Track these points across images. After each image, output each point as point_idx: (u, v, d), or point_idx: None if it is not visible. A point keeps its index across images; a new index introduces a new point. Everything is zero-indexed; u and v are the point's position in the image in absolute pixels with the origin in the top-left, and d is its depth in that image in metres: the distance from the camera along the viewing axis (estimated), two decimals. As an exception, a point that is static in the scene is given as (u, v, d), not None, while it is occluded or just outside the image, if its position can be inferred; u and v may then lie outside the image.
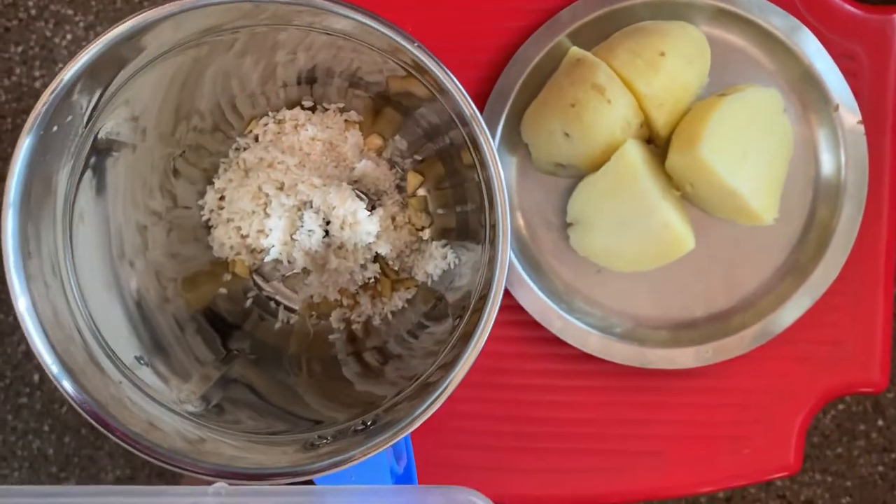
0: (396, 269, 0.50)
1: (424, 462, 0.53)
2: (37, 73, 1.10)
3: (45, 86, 1.10)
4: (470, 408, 0.55)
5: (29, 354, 1.11)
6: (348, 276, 0.48)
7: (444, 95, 0.38)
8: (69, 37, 1.09)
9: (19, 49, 1.10)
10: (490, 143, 0.36)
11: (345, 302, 0.48)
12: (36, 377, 1.11)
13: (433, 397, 0.37)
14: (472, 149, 0.38)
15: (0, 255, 0.35)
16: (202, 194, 0.49)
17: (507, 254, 0.37)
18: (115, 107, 0.40)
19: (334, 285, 0.49)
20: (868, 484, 1.06)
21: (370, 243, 0.47)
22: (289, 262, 0.47)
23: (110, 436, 0.35)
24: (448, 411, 0.53)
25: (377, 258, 0.49)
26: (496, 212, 0.37)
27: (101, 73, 0.37)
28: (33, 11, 1.10)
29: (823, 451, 1.05)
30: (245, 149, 0.49)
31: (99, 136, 0.40)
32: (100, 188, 0.42)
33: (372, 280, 0.49)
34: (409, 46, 0.35)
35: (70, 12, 1.10)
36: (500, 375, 0.55)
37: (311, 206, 0.47)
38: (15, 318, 1.04)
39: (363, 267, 0.48)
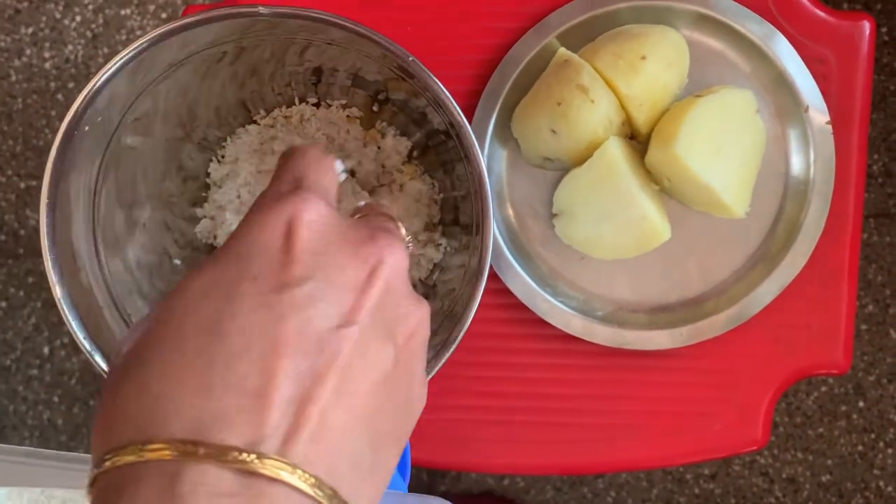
0: None
1: (417, 435, 0.56)
2: (46, 55, 1.10)
3: (55, 67, 1.12)
4: (460, 384, 0.57)
5: (39, 328, 1.14)
6: None
7: (436, 104, 0.40)
8: (78, 18, 1.09)
9: (29, 30, 1.10)
10: (476, 149, 0.39)
11: None
12: (46, 350, 1.14)
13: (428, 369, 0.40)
14: (462, 153, 0.41)
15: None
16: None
17: (490, 237, 0.40)
18: (138, 108, 0.43)
19: None
20: (848, 463, 1.07)
21: None
22: None
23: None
24: (440, 387, 0.56)
25: None
26: (482, 206, 0.40)
27: (130, 78, 0.40)
28: (43, -7, 1.11)
29: (805, 431, 1.07)
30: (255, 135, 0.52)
31: (120, 135, 0.43)
32: (118, 180, 0.45)
33: None
34: (406, 61, 0.38)
35: (79, -5, 1.11)
36: (489, 354, 0.57)
37: None
38: (25, 292, 1.07)
39: None
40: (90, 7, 1.11)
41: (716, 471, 1.08)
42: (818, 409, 1.08)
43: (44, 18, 1.11)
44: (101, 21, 1.11)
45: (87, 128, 0.38)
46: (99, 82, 0.36)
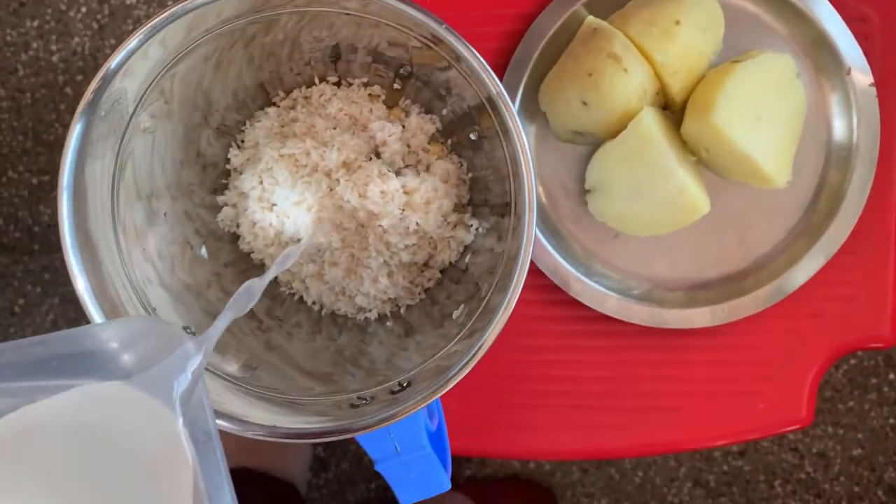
0: (426, 250, 0.50)
1: (452, 420, 0.55)
2: (53, 48, 1.08)
3: (63, 60, 1.11)
4: (491, 368, 0.56)
5: (57, 324, 1.13)
6: (380, 257, 0.48)
7: (470, 75, 0.38)
8: (84, 10, 1.08)
9: (35, 23, 1.09)
10: (516, 120, 0.37)
11: (380, 279, 0.49)
12: (65, 346, 1.13)
13: (462, 362, 0.38)
14: (498, 128, 0.39)
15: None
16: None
17: (532, 225, 0.38)
18: (153, 91, 0.41)
19: (366, 265, 0.48)
20: (879, 436, 1.06)
21: (404, 214, 0.48)
22: (320, 239, 0.47)
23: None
24: (473, 372, 0.55)
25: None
26: (522, 185, 0.38)
27: (145, 58, 0.38)
28: (47, -15, 1.10)
29: (835, 405, 1.06)
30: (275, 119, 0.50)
31: (137, 121, 0.41)
32: (136, 169, 0.43)
33: (408, 257, 0.49)
34: (438, 28, 0.36)
35: (84, -15, 1.09)
36: (521, 337, 0.56)
37: (345, 176, 0.47)
38: (42, 289, 1.06)
39: (396, 246, 0.48)
40: (95, -3, 1.09)
41: (745, 447, 1.07)
42: (848, 382, 1.06)
43: (49, 11, 1.09)
44: (106, 11, 1.09)
45: (102, 112, 0.36)
46: (113, 64, 0.34)
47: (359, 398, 0.40)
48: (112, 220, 0.40)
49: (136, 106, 0.40)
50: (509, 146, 0.39)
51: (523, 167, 0.37)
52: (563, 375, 0.56)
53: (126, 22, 1.09)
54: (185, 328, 0.42)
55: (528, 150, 0.37)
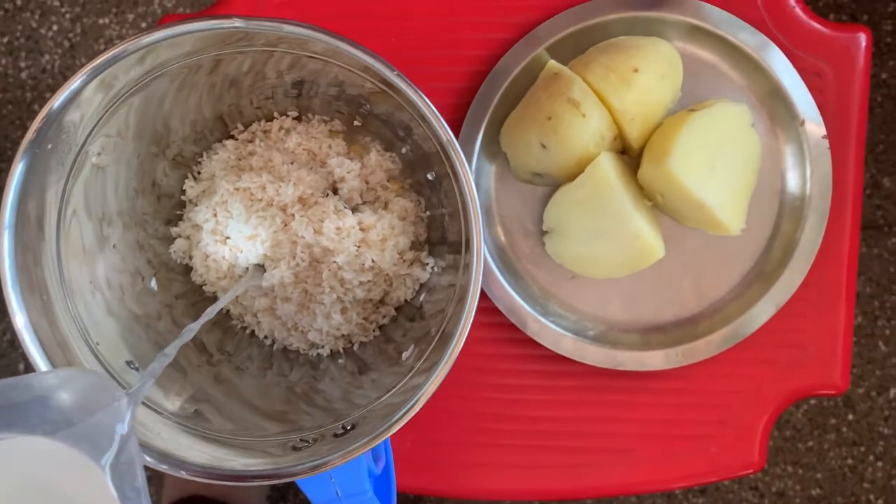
0: (383, 285, 0.50)
1: (402, 459, 0.54)
2: (22, 64, 1.08)
3: (31, 77, 1.09)
4: (447, 405, 0.55)
5: (14, 343, 1.11)
6: (333, 293, 0.48)
7: (422, 120, 0.38)
8: (55, 28, 1.07)
9: (5, 40, 1.08)
10: (465, 166, 0.37)
11: (333, 316, 0.49)
12: (21, 366, 1.11)
13: (411, 403, 0.38)
14: (450, 171, 0.39)
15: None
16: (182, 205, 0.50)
17: (481, 264, 0.38)
18: (107, 123, 0.41)
19: (319, 301, 0.48)
20: (838, 476, 1.07)
21: (360, 251, 0.47)
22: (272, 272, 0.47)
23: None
24: (425, 409, 0.54)
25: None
26: (471, 227, 0.38)
27: (95, 92, 0.37)
28: (19, 2, 1.08)
29: (795, 444, 1.06)
30: (232, 152, 0.50)
31: (87, 151, 0.41)
32: (87, 197, 0.43)
33: (361, 295, 0.49)
34: (390, 75, 0.36)
35: (56, 3, 1.07)
36: (477, 374, 0.56)
37: (301, 211, 0.47)
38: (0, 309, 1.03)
39: (351, 282, 0.48)
40: (67, 16, 1.08)
41: (705, 486, 1.07)
42: (808, 422, 1.07)
43: (20, 27, 1.09)
44: (78, 30, 1.08)
45: (49, 146, 0.36)
46: (56, 104, 0.34)
47: (301, 440, 0.40)
48: (57, 252, 0.39)
49: (89, 135, 0.39)
50: (460, 191, 0.39)
51: (472, 211, 0.37)
52: (518, 415, 0.56)
53: (98, 42, 1.08)
54: (128, 363, 0.42)
55: (475, 195, 0.37)
